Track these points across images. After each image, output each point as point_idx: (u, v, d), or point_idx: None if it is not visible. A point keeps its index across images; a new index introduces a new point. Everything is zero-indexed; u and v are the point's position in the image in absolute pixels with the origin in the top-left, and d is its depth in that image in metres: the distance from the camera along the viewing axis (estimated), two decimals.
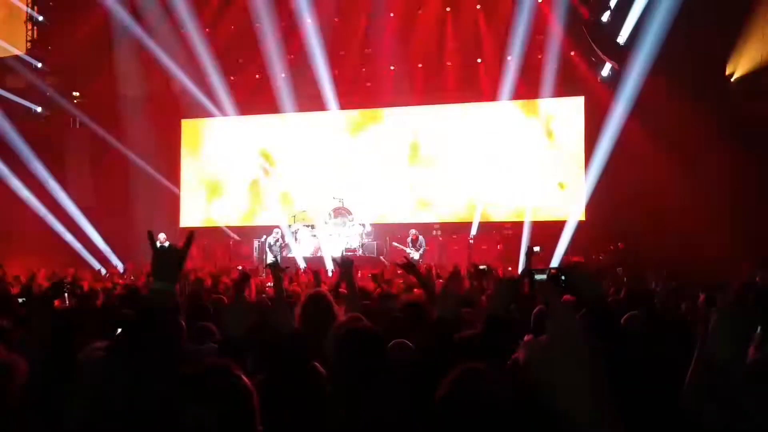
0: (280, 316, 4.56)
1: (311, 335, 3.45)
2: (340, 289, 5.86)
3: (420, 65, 19.03)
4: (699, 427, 2.98)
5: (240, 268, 14.14)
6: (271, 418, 2.07)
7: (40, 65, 19.24)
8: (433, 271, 9.45)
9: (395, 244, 17.61)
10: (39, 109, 19.64)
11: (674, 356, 4.02)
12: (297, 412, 2.35)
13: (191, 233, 2.40)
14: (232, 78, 19.61)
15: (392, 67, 19.04)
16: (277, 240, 17.67)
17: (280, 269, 5.21)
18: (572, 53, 17.71)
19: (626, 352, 3.58)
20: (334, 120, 19.97)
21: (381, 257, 17.53)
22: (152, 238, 2.38)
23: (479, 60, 18.84)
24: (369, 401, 2.73)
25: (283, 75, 18.98)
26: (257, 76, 19.67)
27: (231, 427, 1.59)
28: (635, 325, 4.16)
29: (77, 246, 18.02)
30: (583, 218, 17.61)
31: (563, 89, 18.12)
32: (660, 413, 3.24)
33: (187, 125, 21.46)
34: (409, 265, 5.16)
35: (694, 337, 3.53)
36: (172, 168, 20.89)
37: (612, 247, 15.87)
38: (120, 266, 17.25)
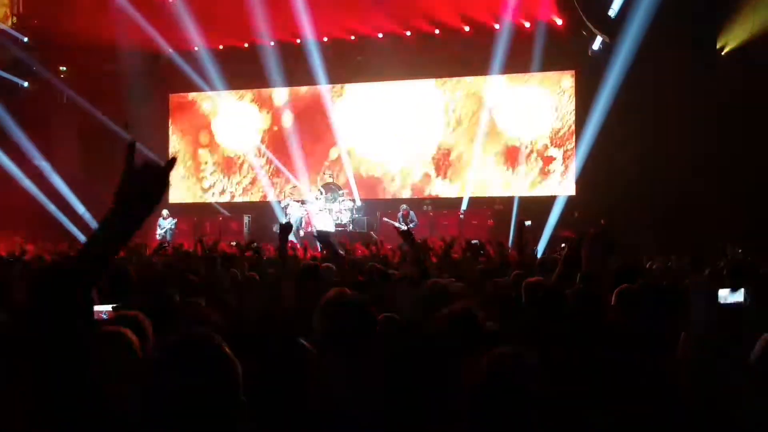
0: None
1: (306, 309, 3.39)
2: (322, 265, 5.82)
3: (408, 33, 18.71)
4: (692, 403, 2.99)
5: (233, 243, 14.11)
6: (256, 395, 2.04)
7: (26, 39, 18.97)
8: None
9: (386, 219, 17.61)
10: (25, 84, 19.41)
11: (667, 328, 4.04)
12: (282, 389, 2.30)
13: (174, 158, 1.92)
14: (220, 47, 19.44)
15: (380, 35, 18.78)
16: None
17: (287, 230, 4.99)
18: (563, 26, 17.56)
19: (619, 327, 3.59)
20: (323, 94, 19.80)
21: (371, 233, 17.54)
22: (132, 149, 1.84)
23: (467, 28, 18.54)
24: (358, 374, 2.71)
25: (272, 43, 18.85)
26: (246, 45, 19.50)
27: (213, 396, 1.55)
28: (628, 297, 4.15)
29: (64, 221, 17.91)
30: (573, 193, 17.62)
31: (554, 63, 18.02)
32: (652, 387, 3.25)
33: (176, 100, 21.29)
34: (406, 234, 5.19)
35: (686, 307, 3.54)
36: (160, 143, 20.75)
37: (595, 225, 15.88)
38: None
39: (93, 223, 18.16)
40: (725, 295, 3.78)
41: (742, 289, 3.75)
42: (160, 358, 1.57)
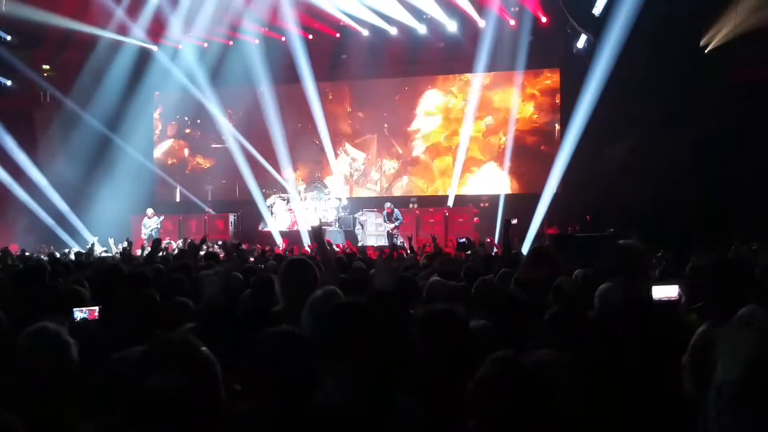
0: None
1: (293, 305, 3.33)
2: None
3: (393, 30, 18.66)
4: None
5: (219, 243, 14.11)
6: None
7: (9, 38, 18.80)
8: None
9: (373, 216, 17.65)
10: (8, 83, 19.27)
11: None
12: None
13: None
14: (205, 45, 19.38)
15: (366, 33, 18.74)
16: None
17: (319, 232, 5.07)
18: (547, 25, 17.61)
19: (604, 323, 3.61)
20: (309, 90, 19.70)
21: (357, 231, 17.56)
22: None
23: (454, 27, 18.53)
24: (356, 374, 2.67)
25: (256, 41, 18.81)
26: (230, 43, 19.43)
27: (195, 395, 1.57)
28: (611, 296, 4.16)
29: (49, 222, 17.76)
30: (558, 191, 17.65)
31: (539, 61, 18.08)
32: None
33: (161, 96, 21.16)
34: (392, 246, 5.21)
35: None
36: (146, 141, 20.64)
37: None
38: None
39: (75, 220, 18.09)
40: (658, 291, 3.76)
41: (675, 285, 3.76)
42: (143, 360, 1.60)
